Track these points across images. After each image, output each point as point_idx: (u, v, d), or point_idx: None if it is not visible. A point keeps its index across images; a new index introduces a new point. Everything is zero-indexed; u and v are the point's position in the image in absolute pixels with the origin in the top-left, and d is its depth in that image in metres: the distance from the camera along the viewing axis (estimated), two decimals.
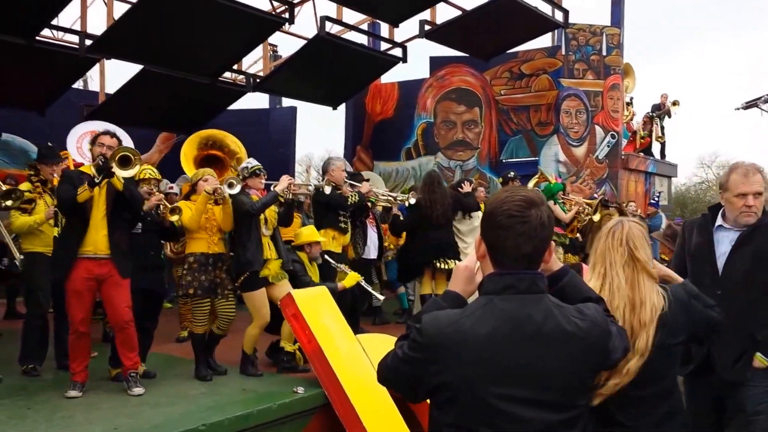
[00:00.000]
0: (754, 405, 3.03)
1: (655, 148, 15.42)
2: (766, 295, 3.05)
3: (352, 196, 6.18)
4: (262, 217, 5.17)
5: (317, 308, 5.01)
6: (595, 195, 9.82)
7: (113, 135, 4.70)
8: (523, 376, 1.62)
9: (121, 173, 4.43)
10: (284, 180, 5.35)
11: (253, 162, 5.37)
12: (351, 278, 5.76)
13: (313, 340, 4.83)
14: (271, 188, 5.35)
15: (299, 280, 5.52)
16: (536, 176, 8.50)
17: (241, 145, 8.47)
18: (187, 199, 5.32)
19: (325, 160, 6.18)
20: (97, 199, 4.53)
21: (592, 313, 1.73)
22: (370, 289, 6.36)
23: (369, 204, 6.68)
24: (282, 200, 5.35)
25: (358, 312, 6.50)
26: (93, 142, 4.71)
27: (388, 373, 1.76)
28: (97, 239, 4.50)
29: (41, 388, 4.79)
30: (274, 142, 13.29)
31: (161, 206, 5.20)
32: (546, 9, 10.07)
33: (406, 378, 1.72)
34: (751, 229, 3.10)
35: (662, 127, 15.74)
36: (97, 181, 4.42)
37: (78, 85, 13.61)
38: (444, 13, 10.61)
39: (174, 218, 5.22)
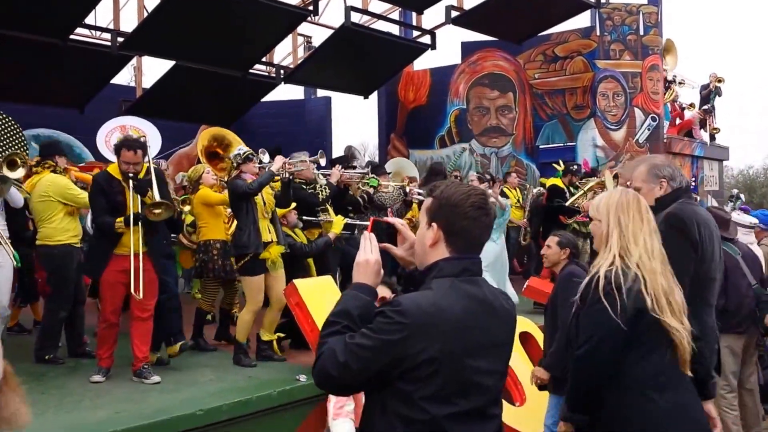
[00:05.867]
0: None
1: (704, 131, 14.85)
2: None
3: (322, 190, 6.19)
4: (260, 200, 5.22)
5: (320, 297, 5.07)
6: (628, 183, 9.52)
7: (136, 148, 4.70)
8: (488, 349, 1.84)
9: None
10: (278, 160, 5.44)
11: (244, 148, 5.51)
12: (337, 224, 5.82)
13: (316, 329, 4.89)
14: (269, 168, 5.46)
15: (295, 249, 5.64)
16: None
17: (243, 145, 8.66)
18: (195, 192, 5.64)
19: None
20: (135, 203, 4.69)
21: (510, 294, 2.10)
22: (358, 222, 6.25)
23: (370, 189, 6.70)
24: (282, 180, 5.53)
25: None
26: (117, 152, 4.72)
27: (346, 371, 1.75)
28: (134, 240, 4.63)
29: (60, 374, 4.98)
30: (310, 133, 13.49)
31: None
32: None
33: (375, 367, 1.74)
34: None
35: (713, 108, 15.14)
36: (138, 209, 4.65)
37: (124, 80, 14.13)
38: None
39: (186, 209, 5.53)
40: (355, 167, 7.24)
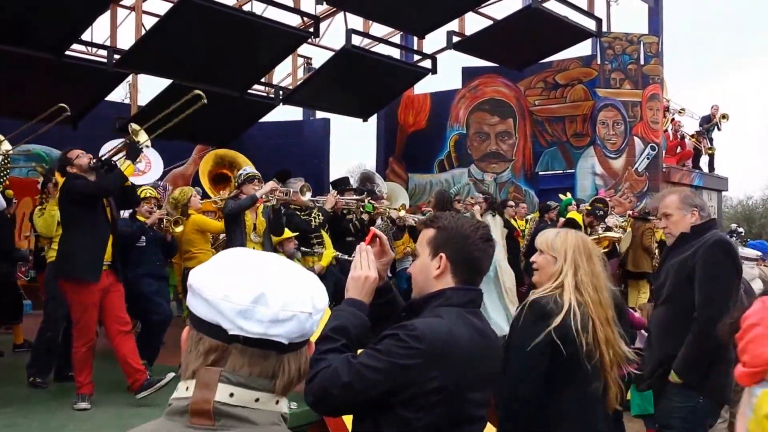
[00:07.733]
0: (665, 418, 3.15)
1: (703, 160, 14.85)
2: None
3: (315, 217, 6.09)
4: (250, 224, 5.15)
5: None
6: (629, 212, 9.43)
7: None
8: (485, 382, 1.84)
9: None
10: (268, 185, 5.36)
11: (248, 169, 5.46)
12: (326, 256, 5.74)
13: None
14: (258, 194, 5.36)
15: None
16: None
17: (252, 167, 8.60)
18: (185, 216, 5.56)
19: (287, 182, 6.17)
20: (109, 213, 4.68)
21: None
22: (347, 258, 6.11)
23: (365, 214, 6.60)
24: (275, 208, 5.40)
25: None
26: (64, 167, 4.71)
27: (349, 391, 1.66)
28: (110, 249, 4.62)
29: (45, 398, 4.85)
30: (308, 154, 13.36)
31: (164, 220, 5.33)
32: (578, 18, 9.84)
33: (381, 389, 1.67)
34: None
35: (711, 139, 15.18)
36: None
37: (119, 97, 14.03)
38: (473, 24, 10.47)
39: (178, 229, 5.40)
40: (373, 192, 7.14)
